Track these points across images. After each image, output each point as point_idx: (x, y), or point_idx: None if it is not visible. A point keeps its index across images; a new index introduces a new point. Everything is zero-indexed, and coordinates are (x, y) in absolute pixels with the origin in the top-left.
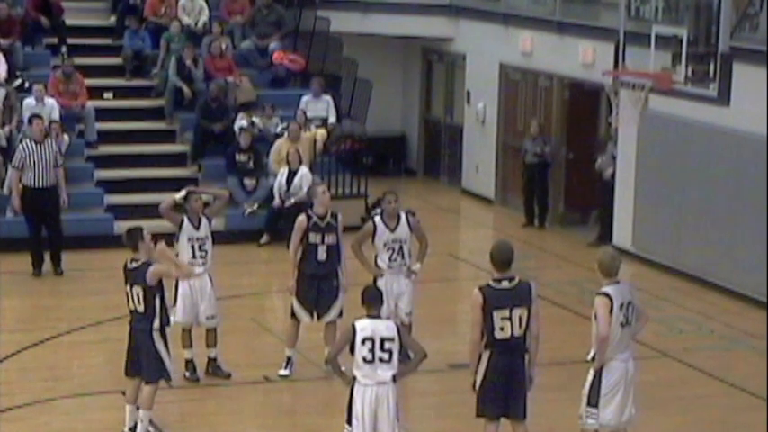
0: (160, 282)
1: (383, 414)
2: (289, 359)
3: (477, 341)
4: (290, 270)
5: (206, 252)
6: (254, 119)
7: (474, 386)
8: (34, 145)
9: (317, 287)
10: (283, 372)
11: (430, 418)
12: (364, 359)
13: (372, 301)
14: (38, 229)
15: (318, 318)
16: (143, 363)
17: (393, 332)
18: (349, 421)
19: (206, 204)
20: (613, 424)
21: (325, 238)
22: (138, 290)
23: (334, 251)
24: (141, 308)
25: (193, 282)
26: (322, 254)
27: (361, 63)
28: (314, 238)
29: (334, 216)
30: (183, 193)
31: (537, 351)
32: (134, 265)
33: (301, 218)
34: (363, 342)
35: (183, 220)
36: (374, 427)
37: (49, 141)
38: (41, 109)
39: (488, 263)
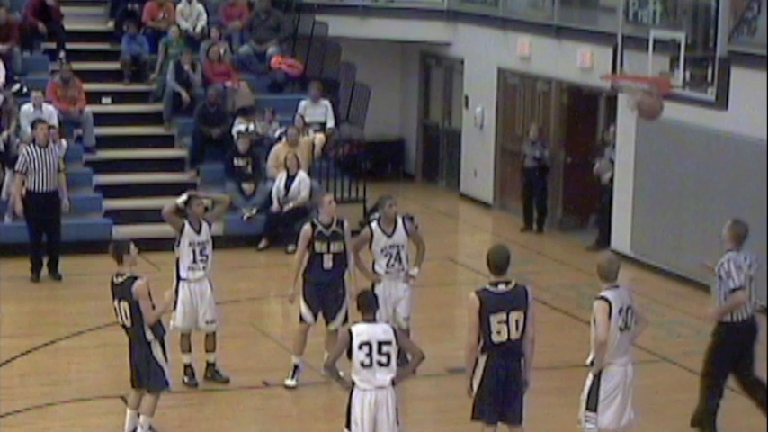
0: (149, 296)
1: (382, 418)
2: (296, 367)
3: (474, 345)
4: (292, 277)
5: (206, 256)
6: (251, 125)
7: (469, 390)
8: (38, 149)
9: (323, 293)
10: (290, 382)
11: (429, 423)
12: (362, 364)
13: (368, 305)
14: (38, 233)
15: (326, 323)
16: (143, 374)
17: (390, 336)
18: (348, 426)
19: (206, 209)
20: (612, 428)
21: (331, 246)
22: (124, 305)
23: (340, 259)
24: (128, 322)
25: (193, 286)
26: (328, 262)
27: (360, 68)
28: (320, 246)
29: (340, 224)
30: (184, 197)
31: (533, 354)
32: (119, 280)
33: (306, 227)
34: (361, 347)
35: (184, 225)
36: (374, 431)
37: (52, 146)
38: (40, 115)
39: (486, 267)
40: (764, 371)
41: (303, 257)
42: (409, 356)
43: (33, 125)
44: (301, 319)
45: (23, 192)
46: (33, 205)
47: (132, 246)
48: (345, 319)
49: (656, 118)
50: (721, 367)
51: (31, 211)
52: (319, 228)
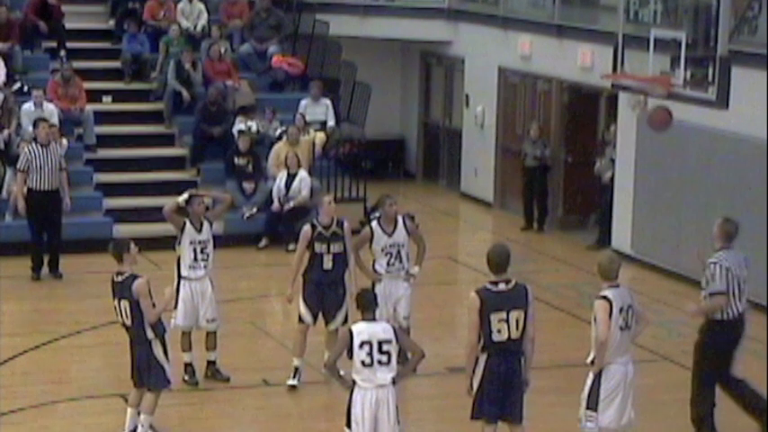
0: (149, 294)
1: (383, 417)
2: (296, 369)
3: (475, 344)
4: (290, 278)
5: (207, 255)
6: (251, 123)
7: (469, 389)
8: (40, 148)
9: (322, 294)
10: (292, 381)
11: (429, 422)
12: (363, 363)
13: (367, 305)
14: (40, 232)
15: (325, 323)
16: (144, 373)
17: (390, 334)
18: (348, 425)
19: (207, 208)
20: (613, 427)
21: (331, 246)
22: (125, 304)
23: (340, 259)
24: (129, 321)
25: (194, 285)
26: (328, 263)
27: (360, 66)
28: (319, 247)
29: (340, 224)
30: (185, 195)
31: (533, 354)
32: (120, 278)
33: (306, 227)
34: (361, 346)
35: (185, 223)
36: (374, 430)
37: (54, 145)
38: (41, 114)
39: (487, 266)
40: (764, 370)
41: (302, 258)
42: (409, 355)
43: (35, 124)
44: (300, 319)
45: (24, 190)
46: (35, 204)
47: (132, 244)
48: (345, 320)
49: (666, 129)
50: (710, 365)
51: (33, 210)
52: (319, 228)
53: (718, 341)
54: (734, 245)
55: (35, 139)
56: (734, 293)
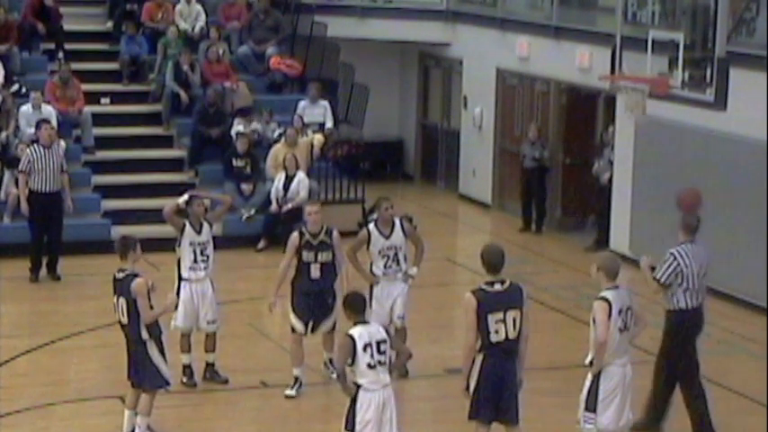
0: (148, 295)
1: (387, 417)
2: (296, 379)
3: (473, 345)
4: (274, 286)
5: (207, 257)
6: (255, 124)
7: (465, 390)
8: (42, 150)
9: (311, 303)
10: (290, 392)
11: (427, 423)
12: (368, 365)
13: (358, 307)
14: (40, 233)
15: (313, 330)
16: (140, 374)
17: (384, 334)
18: (349, 428)
19: (206, 209)
20: (611, 429)
21: (319, 255)
22: (122, 301)
23: (328, 269)
24: (125, 320)
25: (195, 286)
26: (315, 272)
27: (358, 68)
28: (307, 256)
29: (329, 233)
30: (185, 197)
31: (526, 352)
32: (120, 275)
33: (294, 235)
34: (365, 349)
35: (184, 225)
36: (379, 431)
37: (56, 146)
38: (39, 116)
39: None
40: (764, 371)
41: (288, 266)
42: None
43: (38, 125)
44: (293, 329)
45: (26, 192)
46: (36, 206)
47: (138, 244)
48: (333, 328)
49: (695, 211)
50: (684, 357)
51: (34, 212)
52: (307, 236)
53: (680, 331)
54: (697, 238)
55: (36, 141)
56: (692, 286)
